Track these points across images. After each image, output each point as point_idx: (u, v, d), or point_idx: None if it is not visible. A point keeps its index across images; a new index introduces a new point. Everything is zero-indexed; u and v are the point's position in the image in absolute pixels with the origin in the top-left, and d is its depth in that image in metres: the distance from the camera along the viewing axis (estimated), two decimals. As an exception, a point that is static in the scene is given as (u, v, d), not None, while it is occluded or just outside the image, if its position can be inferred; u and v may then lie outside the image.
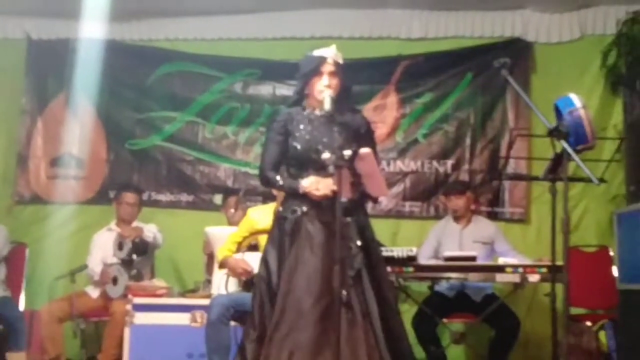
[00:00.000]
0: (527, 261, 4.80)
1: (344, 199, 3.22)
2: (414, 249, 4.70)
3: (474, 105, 6.05)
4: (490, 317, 4.89)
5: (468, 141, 6.03)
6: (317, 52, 3.62)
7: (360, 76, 5.95)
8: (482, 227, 5.34)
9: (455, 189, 5.45)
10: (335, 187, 3.25)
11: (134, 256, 5.22)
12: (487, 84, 5.98)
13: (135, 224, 5.47)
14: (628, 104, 4.82)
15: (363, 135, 3.55)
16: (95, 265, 5.30)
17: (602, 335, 5.06)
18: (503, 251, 5.15)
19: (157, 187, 6.27)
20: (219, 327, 4.21)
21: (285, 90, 6.19)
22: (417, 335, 4.93)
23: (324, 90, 3.48)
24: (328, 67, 3.53)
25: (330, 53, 3.57)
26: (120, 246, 5.23)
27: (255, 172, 6.07)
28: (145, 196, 6.12)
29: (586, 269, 5.22)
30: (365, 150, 3.33)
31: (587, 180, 3.23)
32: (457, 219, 5.33)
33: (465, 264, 4.72)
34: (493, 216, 5.86)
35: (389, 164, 6.05)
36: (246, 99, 6.28)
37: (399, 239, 5.82)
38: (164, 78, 6.32)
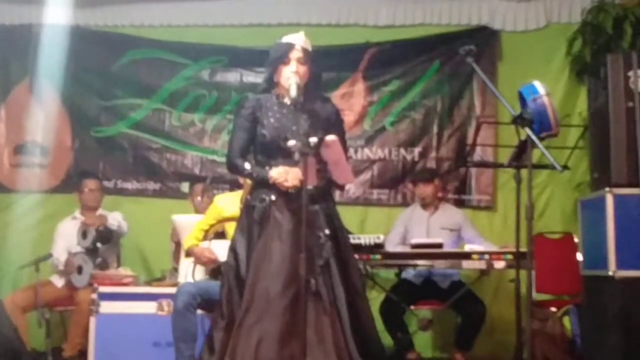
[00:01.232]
0: (493, 248, 4.84)
1: (310, 187, 3.22)
2: (382, 237, 4.72)
3: (441, 93, 6.07)
4: (457, 303, 4.93)
5: (435, 129, 6.06)
6: (285, 39, 3.60)
7: (328, 63, 5.90)
8: (449, 214, 5.37)
9: (423, 176, 5.47)
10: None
11: (99, 244, 5.18)
12: (454, 71, 6.01)
13: (99, 212, 5.42)
14: (592, 92, 4.83)
15: (333, 124, 3.55)
16: (59, 254, 5.24)
17: (567, 321, 5.12)
18: (470, 238, 5.19)
19: (124, 175, 6.21)
20: (185, 316, 4.19)
21: (253, 77, 6.17)
22: (385, 322, 4.96)
23: (290, 77, 3.46)
24: (296, 54, 3.51)
25: (299, 40, 3.56)
26: (84, 235, 5.19)
27: (223, 160, 6.04)
28: (111, 184, 6.10)
29: (551, 256, 5.26)
30: (331, 138, 3.32)
31: (551, 167, 3.26)
32: (424, 206, 5.36)
33: (431, 251, 4.75)
34: (460, 203, 5.90)
35: (356, 152, 6.05)
36: (213, 86, 6.24)
37: (366, 226, 5.84)
38: (130, 65, 6.26)
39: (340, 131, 3.55)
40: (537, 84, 3.34)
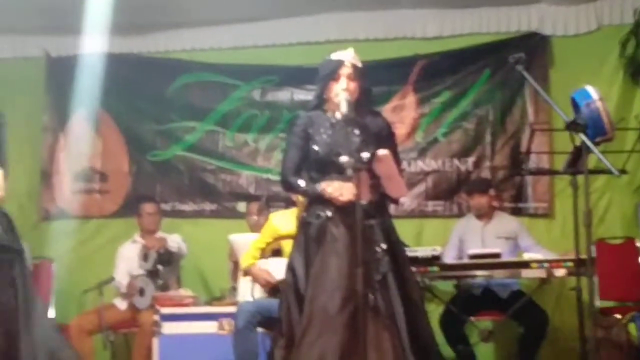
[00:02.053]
0: (551, 255, 4.77)
1: (364, 202, 3.24)
2: (438, 249, 4.70)
3: (493, 102, 6.02)
4: (518, 313, 4.86)
5: (488, 138, 6.01)
6: (334, 56, 3.63)
7: (378, 77, 5.88)
8: (504, 223, 5.32)
9: (478, 187, 5.43)
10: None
11: (160, 267, 5.27)
12: (505, 79, 5.95)
13: (159, 234, 5.52)
14: (648, 94, 4.79)
15: (384, 138, 3.54)
16: (121, 277, 5.34)
17: (633, 327, 5.01)
18: (527, 246, 5.13)
19: (180, 198, 6.30)
20: (246, 334, 4.24)
21: (304, 95, 6.20)
22: (445, 335, 4.92)
23: (340, 93, 3.49)
24: (345, 70, 3.53)
25: (348, 56, 3.58)
26: (145, 257, 5.28)
27: (277, 178, 6.13)
28: (168, 207, 6.19)
29: (613, 261, 5.15)
30: (382, 152, 3.33)
31: (607, 172, 3.20)
32: (479, 216, 5.32)
33: (490, 261, 4.70)
34: (517, 212, 5.83)
35: (409, 164, 6.03)
36: (265, 105, 6.31)
37: (423, 238, 5.80)
38: (183, 88, 6.37)
39: (392, 145, 3.54)
40: (590, 89, 3.30)
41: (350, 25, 6.16)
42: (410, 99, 6.15)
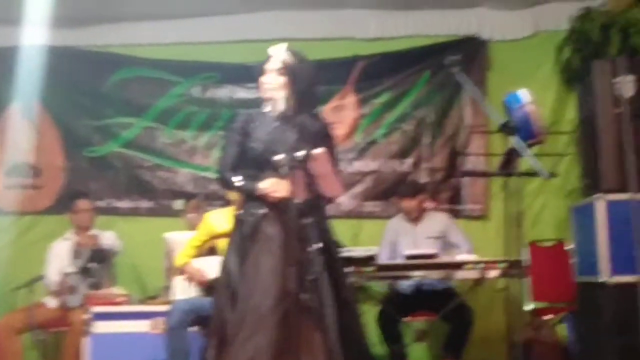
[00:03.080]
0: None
1: (298, 200, 3.23)
2: (374, 249, 4.71)
3: (432, 104, 6.08)
4: (446, 312, 4.92)
5: (427, 140, 6.07)
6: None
7: (318, 77, 5.95)
8: (434, 222, 5.38)
9: (407, 191, 5.47)
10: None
11: (92, 265, 5.18)
12: (444, 82, 6.01)
13: (92, 232, 5.42)
14: (581, 99, 4.88)
15: (321, 137, 3.53)
16: (52, 275, 5.23)
17: (563, 328, 5.12)
18: (456, 241, 5.20)
19: (116, 194, 6.20)
20: (178, 333, 4.21)
21: (244, 93, 6.19)
22: (382, 334, 4.96)
23: (265, 86, 3.51)
24: (272, 65, 3.53)
25: (276, 51, 3.56)
26: (77, 255, 5.19)
27: (214, 176, 6.09)
28: (104, 204, 6.09)
29: (546, 263, 5.27)
30: (318, 151, 3.32)
31: (537, 174, 3.25)
32: (410, 219, 5.37)
33: (425, 262, 4.74)
34: (453, 213, 5.88)
35: (348, 165, 6.05)
36: (204, 103, 6.25)
37: (360, 239, 5.81)
38: (121, 84, 6.26)
39: (329, 144, 3.54)
40: (521, 93, 3.36)
41: (291, 24, 6.14)
42: (350, 100, 6.16)
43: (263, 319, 3.22)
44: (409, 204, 5.33)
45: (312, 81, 3.66)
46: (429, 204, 5.49)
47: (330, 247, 3.48)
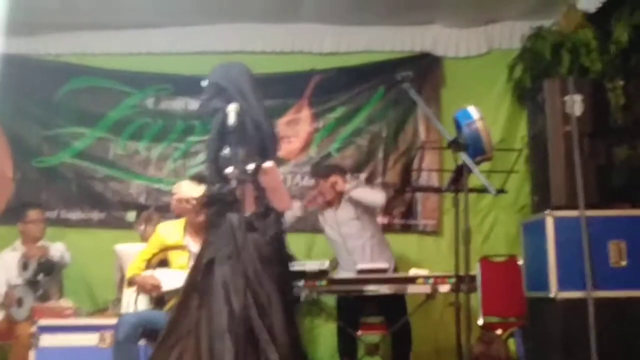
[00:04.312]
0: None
1: (247, 214, 3.23)
2: (327, 263, 4.72)
3: (386, 119, 6.12)
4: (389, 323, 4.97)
5: (381, 154, 6.10)
6: None
7: (273, 90, 5.97)
8: (348, 205, 5.27)
9: (320, 173, 5.38)
10: None
11: (40, 276, 5.09)
12: (399, 97, 6.05)
13: (41, 243, 5.32)
14: (532, 117, 4.94)
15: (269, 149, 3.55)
16: (-1, 286, 5.13)
17: (512, 343, 5.16)
18: (368, 198, 5.20)
19: (67, 205, 6.12)
20: (127, 347, 4.12)
21: (198, 104, 6.13)
22: (339, 349, 5.07)
23: None
24: None
25: None
26: (25, 266, 5.09)
27: (168, 188, 6.03)
28: (54, 214, 6.00)
29: (496, 278, 5.32)
30: (268, 164, 3.32)
31: (486, 190, 3.29)
32: (329, 204, 5.29)
33: (377, 277, 4.75)
34: (406, 228, 5.96)
35: (302, 178, 6.05)
36: (158, 114, 6.21)
37: (313, 252, 5.81)
38: (73, 93, 6.19)
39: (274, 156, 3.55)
40: (471, 109, 3.39)
41: (248, 37, 6.16)
42: (305, 113, 6.17)
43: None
44: (324, 185, 5.23)
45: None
46: (343, 185, 5.25)
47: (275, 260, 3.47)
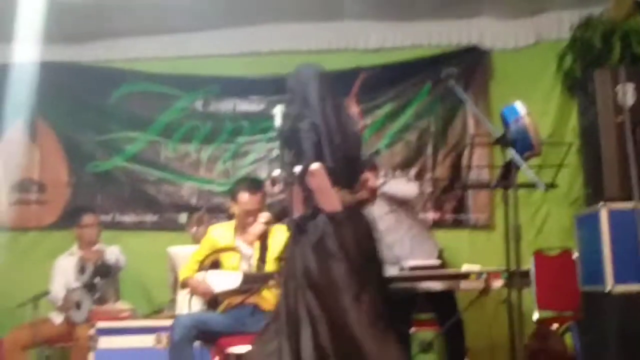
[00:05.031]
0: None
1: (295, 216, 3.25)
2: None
3: (435, 114, 6.08)
4: (440, 320, 4.91)
5: (430, 150, 6.06)
6: None
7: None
8: (382, 200, 5.09)
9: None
10: None
11: (97, 279, 5.18)
12: (447, 92, 5.94)
13: (97, 246, 5.43)
14: (582, 108, 4.87)
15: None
16: (57, 290, 5.24)
17: (569, 337, 5.08)
18: (400, 191, 5.13)
19: (121, 209, 6.21)
20: (182, 348, 4.17)
21: (246, 106, 6.22)
22: None
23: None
24: None
25: None
26: (82, 270, 5.19)
27: (219, 189, 6.13)
28: (109, 218, 6.11)
29: (551, 272, 5.24)
30: (315, 166, 3.33)
31: (536, 186, 3.24)
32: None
33: (429, 273, 4.72)
34: (458, 223, 5.91)
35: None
36: (207, 116, 6.26)
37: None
38: (124, 98, 6.28)
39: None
40: (518, 105, 3.35)
41: (293, 37, 6.17)
42: (353, 111, 6.14)
43: None
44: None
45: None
46: (374, 181, 5.27)
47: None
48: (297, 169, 3.25)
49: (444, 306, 4.98)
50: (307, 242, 3.38)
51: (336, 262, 3.38)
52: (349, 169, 3.55)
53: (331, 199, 3.44)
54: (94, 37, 6.22)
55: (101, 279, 5.22)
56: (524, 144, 3.24)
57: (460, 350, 4.93)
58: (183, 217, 6.05)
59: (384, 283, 3.68)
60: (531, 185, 3.25)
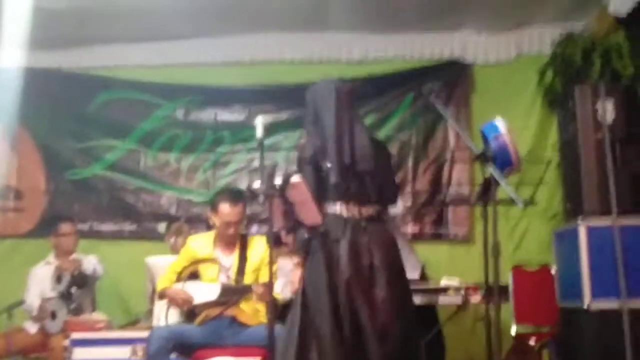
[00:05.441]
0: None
1: (275, 229, 3.23)
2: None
3: (416, 127, 6.08)
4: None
5: (410, 162, 6.06)
6: None
7: (302, 100, 5.86)
8: None
9: None
10: None
11: (73, 289, 5.13)
12: (428, 105, 5.94)
13: (74, 256, 5.37)
14: (562, 123, 4.88)
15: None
16: (33, 299, 5.18)
17: (546, 354, 5.09)
18: None
19: (99, 217, 6.16)
20: (158, 361, 4.14)
21: (228, 115, 6.21)
22: None
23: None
24: None
25: None
26: (58, 279, 5.14)
27: (199, 199, 6.09)
28: (86, 227, 6.06)
29: (529, 287, 5.25)
30: (296, 179, 3.32)
31: (514, 203, 3.25)
32: None
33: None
34: (437, 237, 5.90)
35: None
36: (188, 125, 6.23)
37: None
38: (104, 106, 6.24)
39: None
40: (498, 122, 3.36)
41: (276, 47, 6.16)
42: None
43: None
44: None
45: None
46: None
47: None
48: (278, 181, 3.23)
49: (424, 320, 4.96)
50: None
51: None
52: (364, 184, 3.52)
53: (312, 212, 3.43)
54: (75, 43, 6.15)
55: (78, 288, 5.17)
56: (504, 161, 3.25)
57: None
58: (162, 227, 5.98)
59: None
60: (511, 202, 3.25)
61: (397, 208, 5.13)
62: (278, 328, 3.44)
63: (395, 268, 3.49)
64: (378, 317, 3.35)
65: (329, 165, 3.45)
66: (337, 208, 3.48)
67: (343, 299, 3.31)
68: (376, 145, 3.65)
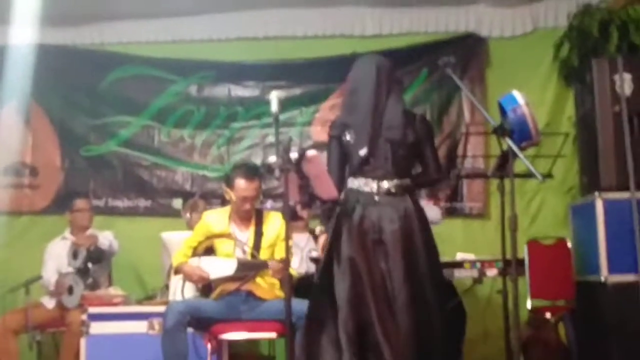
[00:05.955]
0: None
1: (291, 202, 3.23)
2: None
3: (430, 101, 6.05)
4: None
5: (425, 137, 6.02)
6: None
7: (316, 75, 6.01)
8: None
9: None
10: None
11: (90, 264, 5.14)
12: (443, 79, 5.94)
13: (90, 231, 5.38)
14: (579, 97, 4.84)
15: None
16: (50, 275, 5.20)
17: (562, 327, 5.09)
18: None
19: (114, 194, 6.17)
20: (175, 335, 4.15)
21: (241, 91, 6.19)
22: None
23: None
24: None
25: None
26: (75, 255, 5.15)
27: (213, 175, 6.10)
28: (101, 203, 6.08)
29: (545, 261, 5.22)
30: (311, 153, 3.31)
31: (533, 176, 3.22)
32: None
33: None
34: (452, 211, 5.89)
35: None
36: (201, 101, 6.22)
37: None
38: (118, 82, 6.22)
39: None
40: (516, 94, 3.31)
41: (289, 22, 6.14)
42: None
43: None
44: None
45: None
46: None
47: None
48: (293, 155, 3.22)
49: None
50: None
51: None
52: (389, 156, 3.50)
53: (327, 186, 3.42)
54: (89, 20, 6.15)
55: (94, 264, 5.18)
56: (522, 134, 3.22)
57: (459, 338, 4.91)
58: (177, 203, 6.03)
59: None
60: (528, 176, 3.23)
61: (439, 219, 5.05)
62: (294, 302, 3.43)
63: (410, 241, 3.46)
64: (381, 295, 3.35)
65: (348, 138, 3.45)
66: (356, 182, 3.48)
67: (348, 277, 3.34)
68: (411, 118, 3.60)
